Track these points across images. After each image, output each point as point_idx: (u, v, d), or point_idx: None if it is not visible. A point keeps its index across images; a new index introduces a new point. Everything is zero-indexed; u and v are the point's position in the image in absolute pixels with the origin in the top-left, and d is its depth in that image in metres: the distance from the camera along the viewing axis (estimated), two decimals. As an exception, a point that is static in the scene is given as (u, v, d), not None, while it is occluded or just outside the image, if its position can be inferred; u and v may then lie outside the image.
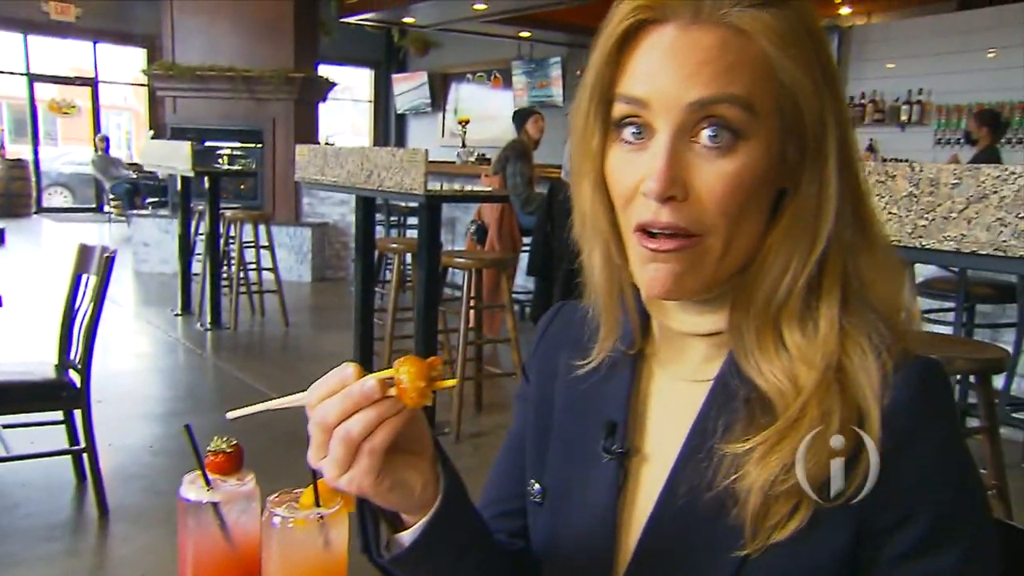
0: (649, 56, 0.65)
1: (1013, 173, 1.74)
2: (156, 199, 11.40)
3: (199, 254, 6.32)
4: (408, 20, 8.45)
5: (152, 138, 10.66)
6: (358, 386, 0.63)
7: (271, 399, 0.74)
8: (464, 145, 8.58)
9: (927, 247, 1.83)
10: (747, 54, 0.64)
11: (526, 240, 5.70)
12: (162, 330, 5.90)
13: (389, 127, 13.47)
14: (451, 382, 0.68)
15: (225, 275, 6.16)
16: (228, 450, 0.92)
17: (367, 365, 4.04)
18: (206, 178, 5.90)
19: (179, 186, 6.22)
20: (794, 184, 0.68)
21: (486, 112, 11.32)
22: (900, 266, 0.72)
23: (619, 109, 0.67)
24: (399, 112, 13.19)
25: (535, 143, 5.78)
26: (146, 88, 12.19)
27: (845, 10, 7.48)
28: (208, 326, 5.88)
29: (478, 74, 11.98)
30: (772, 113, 0.65)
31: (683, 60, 0.64)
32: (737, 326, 0.70)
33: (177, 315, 6.21)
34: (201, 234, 6.37)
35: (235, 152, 8.35)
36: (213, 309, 5.88)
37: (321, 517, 0.84)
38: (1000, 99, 6.74)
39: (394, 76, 13.09)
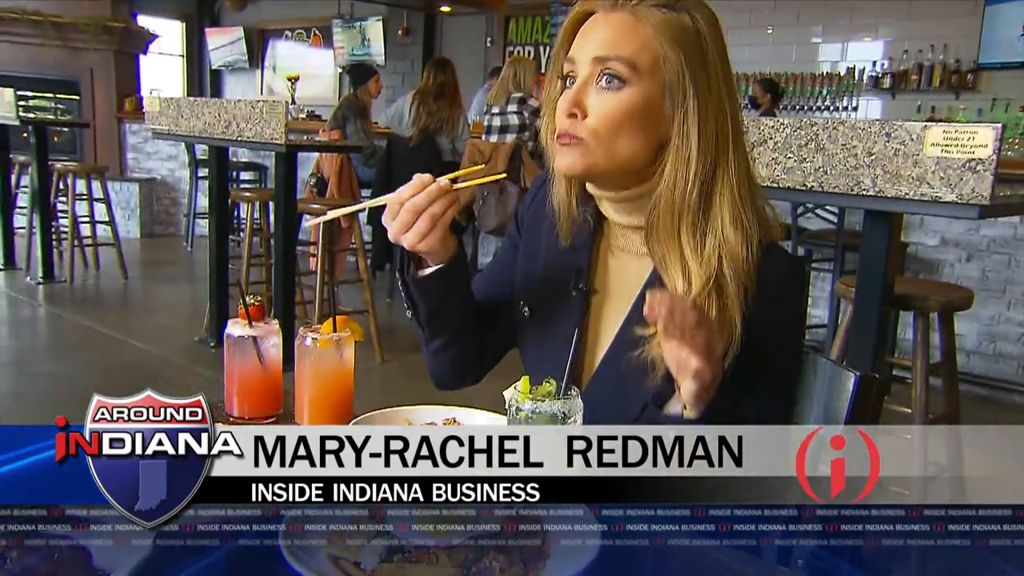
0: (581, 33, 1.04)
1: (783, 124, 2.32)
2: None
3: (22, 207, 6.13)
4: (232, -27, 8.35)
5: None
6: (435, 184, 1.02)
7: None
8: (294, 102, 8.62)
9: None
10: (637, 32, 1.00)
11: (364, 192, 5.98)
12: (-16, 285, 5.73)
13: (204, 83, 13.06)
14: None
15: (53, 229, 6.03)
16: (257, 303, 1.30)
17: (223, 311, 4.20)
18: (30, 128, 5.73)
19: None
20: (670, 130, 1.02)
21: (306, 70, 11.26)
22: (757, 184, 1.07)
23: (564, 67, 1.05)
24: (214, 68, 12.82)
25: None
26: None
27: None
28: (40, 280, 5.76)
29: (297, 31, 11.90)
30: (655, 74, 1.00)
31: (596, 33, 1.02)
32: (651, 222, 1.03)
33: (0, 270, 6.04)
34: (24, 187, 6.18)
35: (41, 103, 7.95)
36: (45, 263, 5.76)
37: (338, 340, 1.24)
38: (778, 70, 7.71)
39: (208, 30, 12.66)
